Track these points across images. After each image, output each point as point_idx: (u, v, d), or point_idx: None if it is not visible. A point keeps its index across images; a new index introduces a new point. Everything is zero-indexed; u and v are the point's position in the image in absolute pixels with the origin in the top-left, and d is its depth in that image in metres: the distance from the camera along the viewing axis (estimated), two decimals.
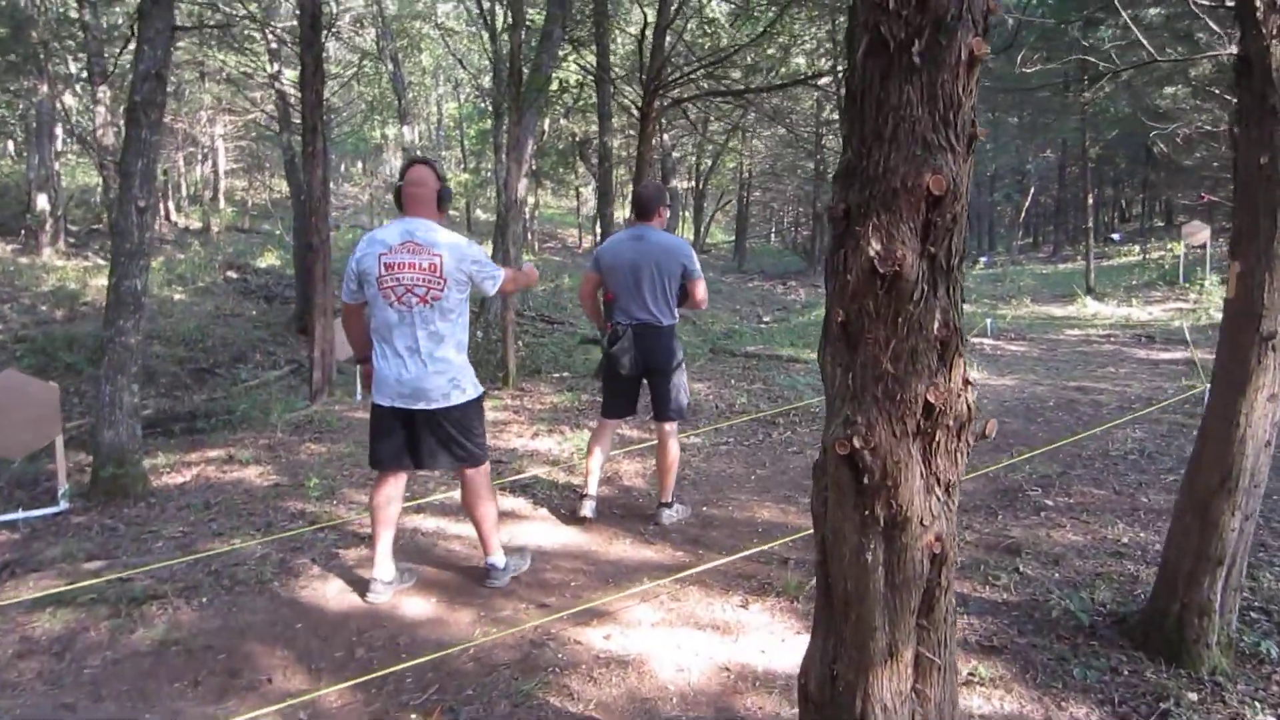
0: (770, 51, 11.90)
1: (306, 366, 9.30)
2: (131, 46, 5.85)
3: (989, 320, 13.03)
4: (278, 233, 21.98)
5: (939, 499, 1.88)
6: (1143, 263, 21.77)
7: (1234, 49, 3.11)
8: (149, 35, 5.58)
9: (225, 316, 15.07)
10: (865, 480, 1.85)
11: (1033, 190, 29.84)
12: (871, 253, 1.76)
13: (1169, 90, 18.14)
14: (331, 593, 4.00)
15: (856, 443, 1.82)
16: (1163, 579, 3.12)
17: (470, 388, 3.85)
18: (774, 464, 6.19)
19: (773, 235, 39.71)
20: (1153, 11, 14.87)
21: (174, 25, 5.72)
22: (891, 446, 1.82)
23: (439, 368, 3.72)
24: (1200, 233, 16.49)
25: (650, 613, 3.74)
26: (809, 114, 23.80)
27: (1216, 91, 15.13)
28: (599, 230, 26.23)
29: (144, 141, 5.56)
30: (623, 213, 17.10)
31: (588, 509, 4.93)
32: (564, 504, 5.27)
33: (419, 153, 31.40)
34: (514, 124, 9.98)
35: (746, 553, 4.27)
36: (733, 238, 33.39)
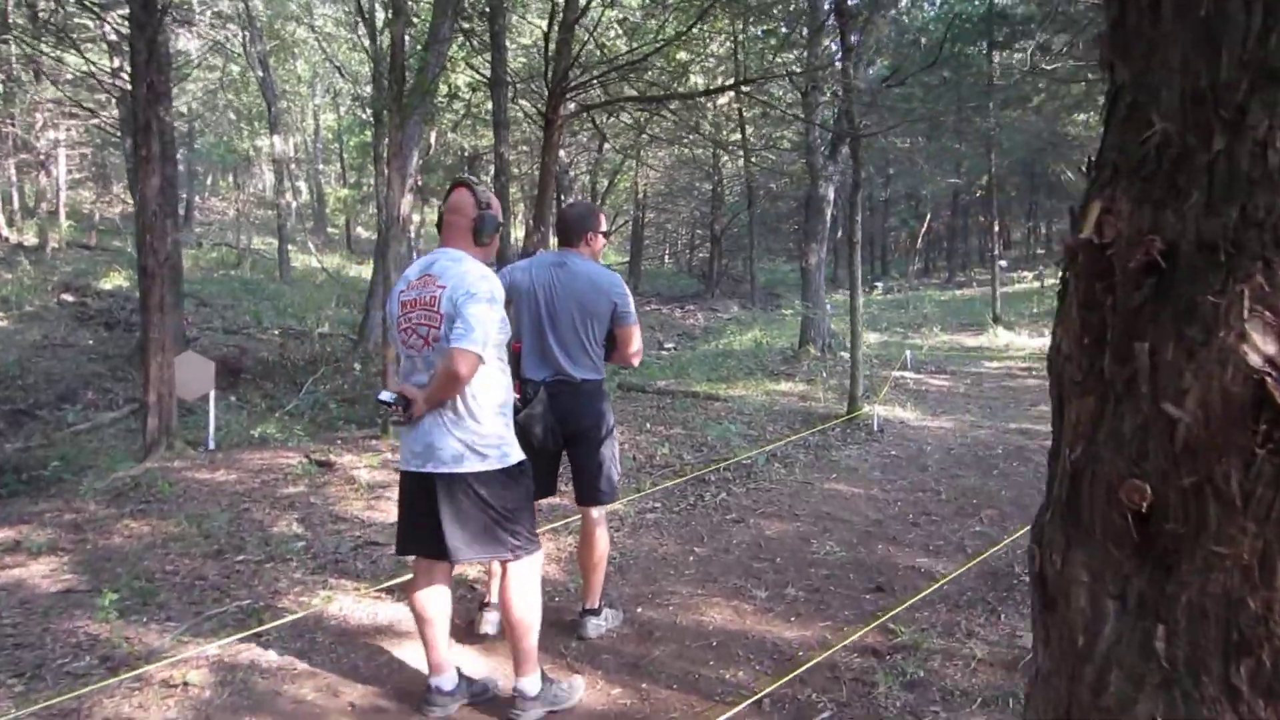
0: (670, 66, 11.04)
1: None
2: None
3: (908, 352, 12.38)
4: (128, 250, 19.80)
5: None
6: (1040, 290, 21.84)
7: None
8: None
9: (55, 347, 13.05)
10: None
11: (928, 216, 30.09)
12: (1254, 359, 0.72)
13: (1080, 117, 18.26)
14: None
15: None
16: None
17: (494, 453, 3.00)
18: (712, 538, 5.14)
19: (667, 257, 39.06)
20: (1060, 39, 14.81)
21: None
22: None
23: (447, 420, 2.96)
24: None
25: None
26: (708, 134, 23.11)
27: None
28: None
29: None
30: (518, 231, 15.97)
31: (490, 624, 3.77)
32: (457, 612, 4.07)
33: (293, 165, 29.46)
34: (395, 129, 8.68)
35: (726, 717, 3.16)
36: (626, 259, 32.48)
